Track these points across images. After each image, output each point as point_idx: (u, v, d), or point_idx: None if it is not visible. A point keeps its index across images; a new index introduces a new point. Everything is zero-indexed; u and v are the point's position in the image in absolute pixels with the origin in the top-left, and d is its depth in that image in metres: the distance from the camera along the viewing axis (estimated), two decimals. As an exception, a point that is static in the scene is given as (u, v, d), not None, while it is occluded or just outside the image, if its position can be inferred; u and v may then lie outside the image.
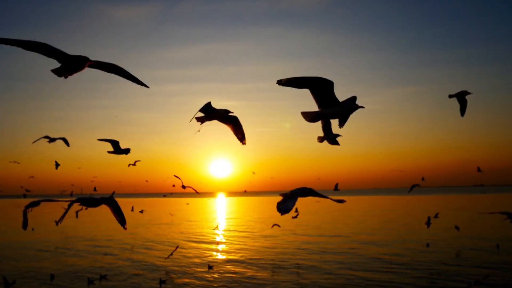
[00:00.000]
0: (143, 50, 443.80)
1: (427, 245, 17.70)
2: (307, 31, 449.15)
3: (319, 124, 4.39)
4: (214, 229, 27.27)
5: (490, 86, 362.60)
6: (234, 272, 14.11)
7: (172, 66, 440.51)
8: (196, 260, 16.41)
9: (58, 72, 3.21)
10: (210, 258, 16.95)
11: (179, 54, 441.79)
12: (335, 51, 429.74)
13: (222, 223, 34.31)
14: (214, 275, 13.66)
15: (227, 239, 23.30)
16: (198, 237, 24.47)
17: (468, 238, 20.64)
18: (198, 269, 14.60)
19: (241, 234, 25.69)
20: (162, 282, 12.29)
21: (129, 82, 3.51)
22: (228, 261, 16.35)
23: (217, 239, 23.82)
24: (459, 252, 17.09)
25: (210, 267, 14.44)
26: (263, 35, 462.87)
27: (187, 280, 13.02)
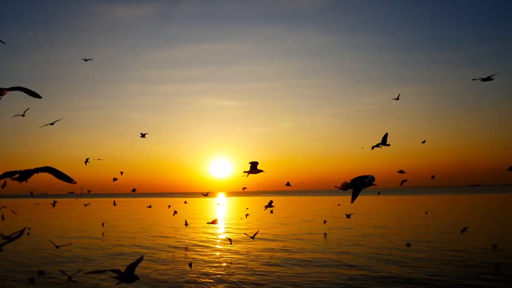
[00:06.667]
0: (143, 50, 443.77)
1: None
2: (307, 31, 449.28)
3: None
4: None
5: (489, 86, 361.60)
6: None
7: (172, 66, 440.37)
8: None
9: None
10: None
11: (179, 54, 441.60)
12: (335, 51, 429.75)
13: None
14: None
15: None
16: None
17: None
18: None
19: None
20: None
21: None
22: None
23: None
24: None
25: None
26: (263, 35, 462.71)
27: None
